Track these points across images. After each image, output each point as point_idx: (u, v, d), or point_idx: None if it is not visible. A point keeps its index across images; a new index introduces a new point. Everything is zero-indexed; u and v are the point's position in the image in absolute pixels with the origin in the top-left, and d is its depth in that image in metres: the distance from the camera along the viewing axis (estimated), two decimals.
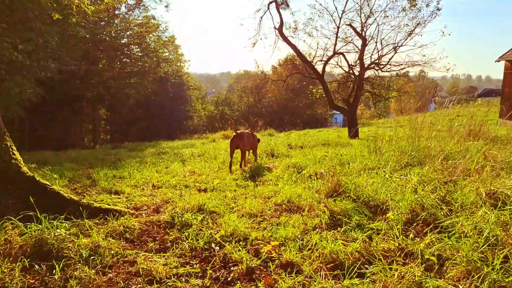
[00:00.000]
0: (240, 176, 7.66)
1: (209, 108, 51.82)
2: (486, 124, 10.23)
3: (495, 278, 2.84)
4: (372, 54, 21.18)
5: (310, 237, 3.80)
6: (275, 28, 20.86)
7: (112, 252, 3.54)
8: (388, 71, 21.96)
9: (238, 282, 3.12)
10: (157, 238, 3.98)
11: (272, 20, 20.93)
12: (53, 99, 25.32)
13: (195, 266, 3.37)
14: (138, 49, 33.06)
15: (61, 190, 4.66)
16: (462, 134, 8.57)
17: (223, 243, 3.74)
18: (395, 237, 3.66)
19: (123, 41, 31.67)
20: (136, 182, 7.00)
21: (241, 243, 3.76)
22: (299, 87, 44.75)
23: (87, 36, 23.36)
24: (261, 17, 20.90)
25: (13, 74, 12.16)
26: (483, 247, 3.17)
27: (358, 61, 21.16)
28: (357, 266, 3.18)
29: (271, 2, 20.31)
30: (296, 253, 3.44)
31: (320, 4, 21.02)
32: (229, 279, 3.17)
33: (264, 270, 3.29)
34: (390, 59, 21.20)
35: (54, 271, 3.20)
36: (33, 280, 3.11)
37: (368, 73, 22.17)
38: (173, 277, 3.17)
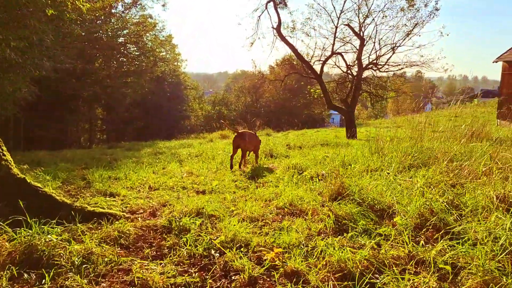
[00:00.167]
0: (239, 177, 7.47)
1: (206, 107, 51.62)
2: (488, 125, 10.08)
3: None
4: (370, 55, 21.12)
5: (315, 243, 3.61)
6: (273, 27, 20.72)
7: (106, 259, 3.34)
8: (386, 71, 21.88)
9: None
10: (154, 244, 3.77)
11: (270, 19, 20.79)
12: (48, 98, 25.08)
13: (194, 275, 3.17)
14: (135, 48, 32.84)
15: (53, 193, 4.46)
16: (465, 135, 8.40)
17: (223, 249, 3.54)
18: (404, 243, 3.47)
19: (120, 40, 31.44)
20: (132, 183, 6.79)
21: (242, 249, 3.57)
22: (296, 87, 44.64)
23: (83, 34, 23.06)
24: (259, 16, 20.78)
25: (6, 72, 11.91)
26: (501, 256, 2.99)
27: (356, 61, 21.06)
28: (368, 276, 2.99)
29: (269, 2, 20.15)
30: (302, 261, 3.24)
31: (318, 4, 20.91)
32: None
33: (268, 279, 3.10)
34: (388, 60, 21.13)
35: (44, 280, 3.00)
36: None
37: (366, 73, 22.09)
38: (171, 287, 2.98)
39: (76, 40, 22.97)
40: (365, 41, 20.69)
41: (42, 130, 27.36)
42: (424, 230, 3.79)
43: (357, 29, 20.48)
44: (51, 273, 3.05)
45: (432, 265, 3.09)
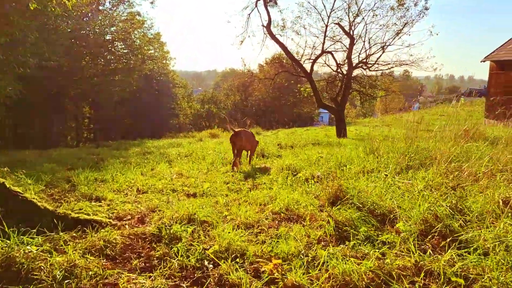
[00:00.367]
0: (231, 178, 7.23)
1: (195, 106, 51.15)
2: (479, 124, 10.00)
3: None
4: (360, 53, 21.06)
5: (316, 253, 3.39)
6: (263, 26, 20.49)
7: (90, 273, 3.07)
8: (376, 71, 21.85)
9: None
10: (142, 255, 3.51)
11: (260, 17, 20.57)
12: (34, 96, 24.52)
13: None
14: (123, 46, 32.30)
15: (34, 198, 4.17)
16: (460, 135, 8.25)
17: (217, 260, 3.30)
18: (410, 252, 3.27)
19: (108, 37, 30.89)
20: (119, 186, 6.50)
21: (238, 260, 3.33)
22: (286, 85, 44.43)
23: (69, 30, 22.57)
24: (249, 14, 20.51)
25: None
26: None
27: (346, 60, 20.97)
28: None
29: None
30: (303, 274, 3.02)
31: (309, 2, 20.64)
32: None
33: None
34: (378, 59, 21.08)
35: None
36: None
37: (356, 72, 22.01)
38: None
39: (62, 37, 22.45)
40: (355, 40, 20.62)
41: (28, 129, 26.78)
42: (429, 237, 3.59)
43: (347, 28, 20.37)
44: None
45: (442, 276, 2.89)
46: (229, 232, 3.79)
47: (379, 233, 3.84)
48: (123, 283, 2.94)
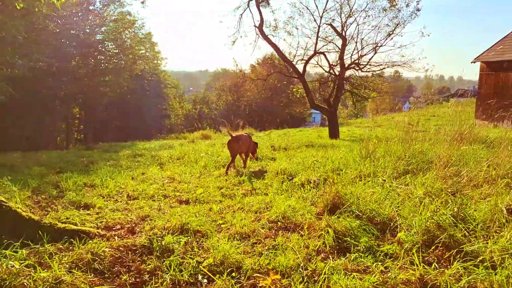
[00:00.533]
0: (225, 183, 7.05)
1: (187, 106, 50.89)
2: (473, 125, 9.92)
3: None
4: (352, 54, 21.00)
5: (316, 266, 3.23)
6: (255, 26, 20.34)
7: None
8: (368, 71, 21.83)
9: None
10: (132, 269, 3.32)
11: (252, 18, 20.40)
12: (23, 97, 24.12)
13: None
14: (113, 46, 31.96)
15: (18, 208, 3.97)
16: (455, 138, 8.15)
17: (212, 276, 3.13)
18: (414, 265, 3.12)
19: (98, 37, 30.54)
20: (109, 191, 6.29)
21: (234, 274, 3.16)
22: (279, 86, 44.37)
23: (57, 30, 22.20)
24: (241, 14, 20.36)
25: None
26: None
27: (338, 61, 20.90)
28: None
29: (251, 0, 19.75)
30: None
31: (301, 3, 20.55)
32: None
33: None
34: (370, 59, 21.04)
35: None
36: None
37: (349, 73, 21.95)
38: None
39: (52, 37, 22.09)
40: (347, 41, 20.57)
41: (17, 130, 26.35)
42: (433, 248, 3.45)
43: (339, 29, 20.31)
44: None
45: None
46: (224, 243, 3.62)
47: (380, 243, 3.70)
48: None
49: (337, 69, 21.20)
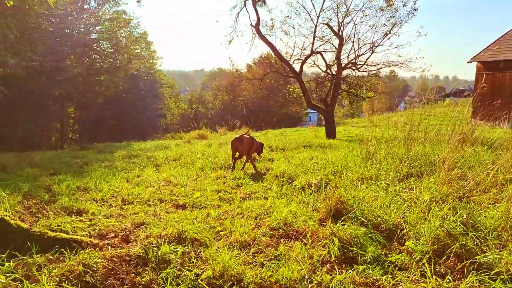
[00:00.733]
0: (222, 186, 6.86)
1: (183, 106, 50.63)
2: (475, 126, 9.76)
3: None
4: (349, 54, 20.92)
5: (322, 279, 3.04)
6: (251, 25, 20.19)
7: None
8: (365, 71, 21.76)
9: None
10: (126, 281, 3.12)
11: (249, 17, 20.34)
12: (17, 96, 23.83)
13: None
14: (109, 45, 31.69)
15: (7, 215, 3.77)
16: (458, 140, 7.99)
17: None
18: (426, 277, 2.95)
19: (93, 36, 30.25)
20: (103, 195, 6.08)
21: (234, 287, 2.97)
22: (275, 85, 44.18)
23: (51, 29, 21.90)
24: (238, 13, 20.21)
25: None
26: None
27: (335, 61, 20.78)
28: None
29: None
30: None
31: (298, 2, 20.38)
32: None
33: None
34: (367, 59, 20.96)
35: None
36: None
37: (346, 73, 21.86)
38: None
39: (45, 36, 21.77)
40: (344, 41, 20.47)
41: (10, 130, 26.02)
42: (444, 258, 3.27)
43: (336, 29, 20.19)
44: None
45: None
46: (223, 253, 3.43)
47: (388, 252, 3.53)
48: None
49: (334, 69, 21.10)
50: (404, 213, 4.23)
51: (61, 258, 3.43)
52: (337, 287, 2.88)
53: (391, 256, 3.39)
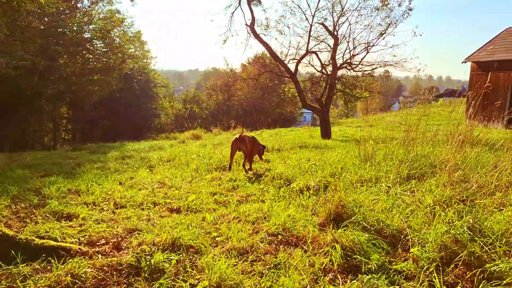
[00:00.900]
0: (218, 188, 6.68)
1: (177, 106, 50.33)
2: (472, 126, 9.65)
3: None
4: (344, 54, 20.82)
5: None
6: (246, 25, 20.04)
7: None
8: (360, 71, 21.69)
9: None
10: None
11: (244, 16, 20.11)
12: (9, 96, 23.53)
13: None
14: (102, 44, 31.38)
15: None
16: (458, 141, 7.86)
17: None
18: None
19: (86, 36, 29.93)
20: (94, 198, 5.88)
21: None
22: (270, 85, 44.05)
23: (42, 27, 21.57)
24: (232, 13, 20.05)
25: None
26: None
27: (330, 61, 20.69)
28: None
29: None
30: None
31: (293, 1, 20.25)
32: None
33: None
34: (362, 59, 20.88)
35: None
36: None
37: (341, 73, 21.78)
38: None
39: (37, 35, 21.45)
40: (339, 40, 20.37)
41: (2, 130, 25.68)
42: (452, 266, 3.12)
43: (331, 28, 20.09)
44: None
45: None
46: (220, 262, 3.25)
47: (392, 259, 3.37)
48: None
49: (329, 69, 21.00)
50: (407, 217, 4.08)
51: (48, 267, 3.24)
52: None
53: (396, 264, 3.24)
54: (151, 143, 18.18)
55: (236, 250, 3.63)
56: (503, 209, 4.03)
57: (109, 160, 11.59)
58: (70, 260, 3.30)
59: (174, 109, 49.39)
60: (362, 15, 19.94)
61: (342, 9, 19.90)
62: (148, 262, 3.26)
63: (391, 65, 20.88)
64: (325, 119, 20.43)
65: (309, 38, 20.43)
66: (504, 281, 2.80)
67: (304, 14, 20.24)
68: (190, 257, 3.50)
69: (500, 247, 3.33)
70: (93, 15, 30.14)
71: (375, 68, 21.53)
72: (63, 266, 3.18)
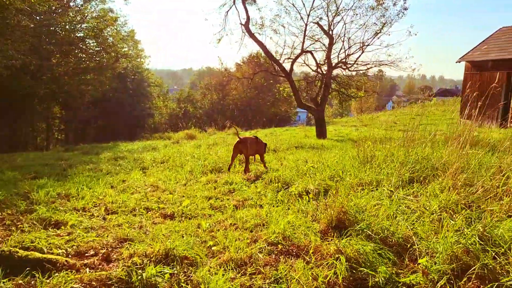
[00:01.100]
0: (213, 191, 6.46)
1: (171, 105, 49.99)
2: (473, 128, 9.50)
3: None
4: (339, 53, 20.72)
5: None
6: (241, 24, 19.88)
7: None
8: (355, 71, 21.61)
9: None
10: None
11: (238, 15, 19.96)
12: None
13: None
14: (95, 43, 31.01)
15: None
16: (463, 142, 7.66)
17: None
18: None
19: (79, 35, 29.55)
20: (85, 203, 5.64)
21: None
22: (265, 85, 43.85)
23: (32, 26, 21.19)
24: (227, 12, 19.92)
25: None
26: None
27: (325, 60, 20.57)
28: None
29: None
30: None
31: (288, 0, 20.08)
32: None
33: None
34: (357, 59, 20.80)
35: None
36: None
37: (336, 72, 21.68)
38: None
39: (28, 34, 21.07)
40: (334, 40, 20.27)
41: None
42: (465, 280, 2.93)
43: (326, 28, 19.95)
44: None
45: None
46: (217, 276, 3.04)
47: (399, 271, 3.17)
48: None
49: (324, 68, 20.88)
50: (413, 224, 3.88)
51: (32, 282, 3.01)
52: None
53: (405, 277, 3.04)
54: (144, 143, 17.92)
55: (233, 261, 3.40)
56: None
57: (101, 161, 11.35)
58: (56, 274, 3.07)
59: (168, 108, 49.06)
60: (357, 14, 19.92)
61: (337, 8, 19.82)
62: (139, 277, 3.03)
63: (386, 64, 20.84)
64: (320, 118, 20.31)
65: (304, 38, 20.32)
66: None
67: (299, 13, 20.14)
68: (185, 270, 3.28)
69: None
70: (86, 14, 29.76)
71: (370, 68, 21.49)
72: (48, 281, 2.96)
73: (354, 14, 19.91)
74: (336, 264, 3.18)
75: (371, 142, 8.09)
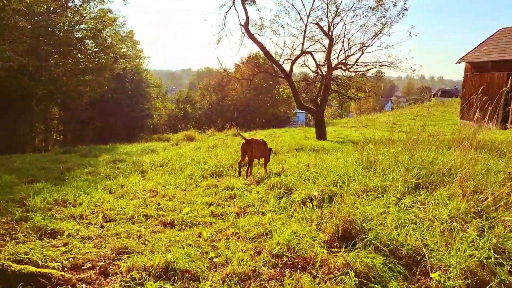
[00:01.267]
0: (214, 197, 6.31)
1: (170, 106, 49.87)
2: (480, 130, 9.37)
3: None
4: (339, 54, 20.61)
5: None
6: (240, 24, 19.76)
7: None
8: (355, 72, 21.51)
9: None
10: None
11: (238, 16, 19.84)
12: None
13: None
14: (93, 44, 30.87)
15: None
16: (471, 145, 7.51)
17: None
18: None
19: (77, 35, 29.40)
20: (82, 210, 5.48)
21: None
22: (264, 86, 43.74)
23: (29, 27, 21.03)
24: (226, 12, 19.81)
25: None
26: None
27: (325, 61, 20.45)
28: None
29: None
30: None
31: (287, 1, 19.96)
32: None
33: None
34: (357, 60, 20.71)
35: None
36: None
37: (336, 73, 21.57)
38: None
39: (26, 34, 20.90)
40: (334, 41, 20.16)
41: None
42: None
43: (326, 28, 19.84)
44: None
45: None
46: None
47: (412, 285, 3.02)
48: None
49: (324, 69, 20.76)
50: (423, 234, 3.74)
51: None
52: None
53: None
54: (143, 145, 17.77)
55: (236, 275, 3.25)
56: None
57: (100, 164, 11.19)
58: None
59: (167, 109, 48.95)
60: (357, 15, 19.83)
61: (337, 9, 19.72)
62: None
63: (386, 65, 20.74)
64: (320, 119, 20.19)
65: (304, 38, 20.22)
66: None
67: (299, 14, 20.04)
68: (186, 285, 3.13)
69: None
70: (85, 15, 29.62)
71: (370, 69, 21.38)
72: None
73: (354, 15, 19.86)
74: (346, 280, 3.03)
75: (373, 145, 7.96)
